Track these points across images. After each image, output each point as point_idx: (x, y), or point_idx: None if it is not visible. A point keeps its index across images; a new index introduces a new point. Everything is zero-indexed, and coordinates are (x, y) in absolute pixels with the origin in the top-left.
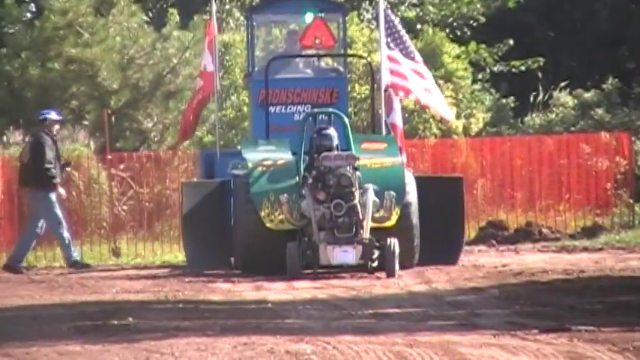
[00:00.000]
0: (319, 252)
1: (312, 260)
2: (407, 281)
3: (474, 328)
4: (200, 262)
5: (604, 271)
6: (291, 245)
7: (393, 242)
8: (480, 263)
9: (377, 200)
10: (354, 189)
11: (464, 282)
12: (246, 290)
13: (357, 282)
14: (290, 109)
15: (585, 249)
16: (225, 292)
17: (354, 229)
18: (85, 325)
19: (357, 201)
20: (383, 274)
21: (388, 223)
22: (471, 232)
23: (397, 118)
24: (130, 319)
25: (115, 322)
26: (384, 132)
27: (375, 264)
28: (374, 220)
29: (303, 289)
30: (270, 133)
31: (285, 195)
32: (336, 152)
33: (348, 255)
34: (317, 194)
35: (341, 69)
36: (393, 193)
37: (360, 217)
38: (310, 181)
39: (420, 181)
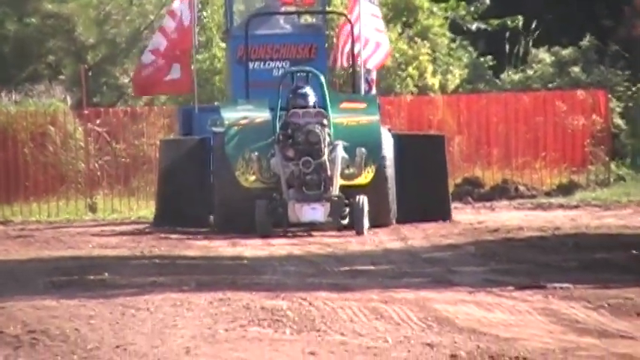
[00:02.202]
0: (288, 209)
1: (281, 218)
2: (382, 238)
3: (450, 285)
4: (167, 220)
5: (579, 228)
6: (260, 203)
7: (362, 199)
8: (456, 220)
9: (346, 157)
10: (323, 146)
11: (439, 239)
12: (222, 246)
13: (333, 239)
14: (269, 64)
15: (561, 206)
16: (202, 248)
17: (322, 186)
18: (60, 280)
19: (325, 158)
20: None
21: (361, 181)
22: None
23: (374, 75)
24: (106, 274)
25: (91, 278)
26: (362, 89)
27: (346, 221)
28: (344, 176)
29: (279, 246)
30: (249, 89)
31: (256, 153)
32: (304, 109)
33: (316, 212)
34: (286, 151)
35: (320, 25)
36: (363, 149)
37: (329, 173)
38: (280, 138)
39: (401, 139)
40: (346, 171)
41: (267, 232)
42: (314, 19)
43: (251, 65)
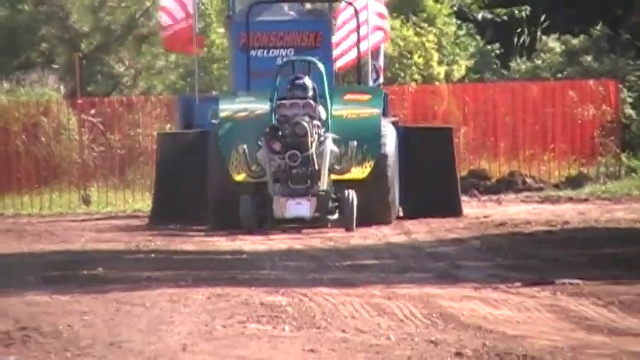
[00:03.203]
0: (273, 205)
1: (267, 213)
2: (386, 232)
3: (455, 280)
4: (165, 217)
5: (589, 222)
6: (245, 198)
7: (351, 194)
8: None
9: (336, 150)
10: (310, 138)
11: (444, 233)
12: (220, 240)
13: (335, 233)
14: (272, 52)
15: (570, 199)
16: (199, 242)
17: (309, 181)
18: (53, 275)
19: (312, 151)
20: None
21: (357, 176)
22: None
23: (382, 62)
24: (100, 269)
25: (85, 272)
26: (370, 77)
27: (335, 217)
28: (334, 171)
29: (280, 240)
30: (252, 77)
31: (244, 146)
32: (292, 101)
33: (302, 207)
34: (272, 144)
35: (325, 11)
36: (355, 143)
37: (316, 167)
38: (267, 130)
39: (408, 132)
40: (336, 165)
41: (251, 227)
42: (318, 6)
43: (253, 53)
